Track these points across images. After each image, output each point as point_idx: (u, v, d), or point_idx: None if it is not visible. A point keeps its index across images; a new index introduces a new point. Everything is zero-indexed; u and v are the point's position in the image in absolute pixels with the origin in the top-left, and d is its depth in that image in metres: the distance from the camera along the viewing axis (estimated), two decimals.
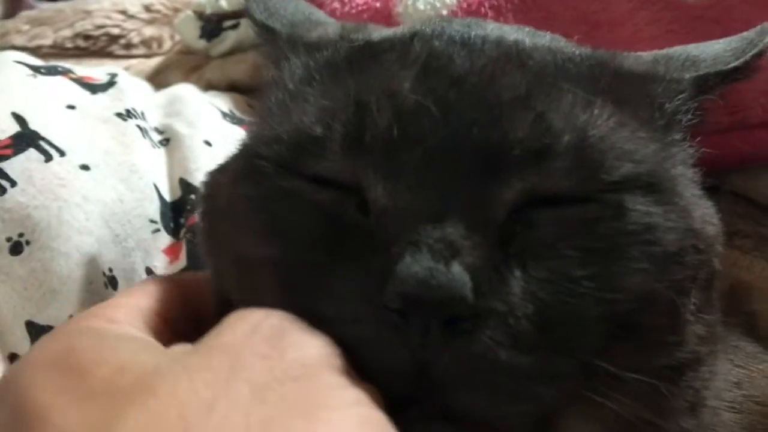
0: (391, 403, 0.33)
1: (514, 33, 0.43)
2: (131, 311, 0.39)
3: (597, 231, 0.35)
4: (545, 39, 0.44)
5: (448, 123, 0.36)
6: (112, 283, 0.57)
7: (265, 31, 0.50)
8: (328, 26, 0.50)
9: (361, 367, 0.34)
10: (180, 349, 0.34)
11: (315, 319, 0.35)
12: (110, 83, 0.74)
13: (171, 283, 0.43)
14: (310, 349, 0.33)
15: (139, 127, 0.68)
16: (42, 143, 0.60)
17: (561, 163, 0.36)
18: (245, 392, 0.30)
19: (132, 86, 0.76)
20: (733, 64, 0.45)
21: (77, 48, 1.05)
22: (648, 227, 0.36)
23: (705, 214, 0.41)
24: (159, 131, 0.72)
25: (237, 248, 0.40)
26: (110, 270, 0.58)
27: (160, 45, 1.06)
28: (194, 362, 0.32)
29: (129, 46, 1.04)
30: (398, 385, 0.34)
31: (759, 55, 0.46)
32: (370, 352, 0.34)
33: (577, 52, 0.42)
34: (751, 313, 0.63)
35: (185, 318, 0.41)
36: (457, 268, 0.32)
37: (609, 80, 0.41)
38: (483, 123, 0.36)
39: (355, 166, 0.37)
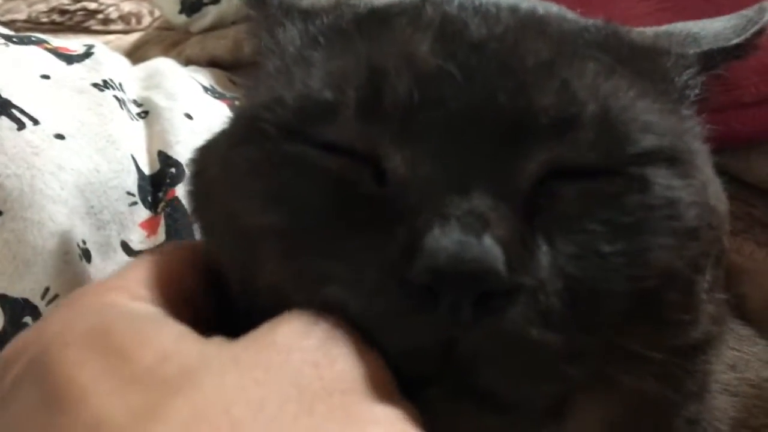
0: (407, 383, 0.32)
1: (525, 1, 0.41)
2: (152, 286, 0.36)
3: (622, 205, 0.34)
4: (554, 9, 0.43)
5: (472, 88, 0.34)
6: (86, 255, 0.55)
7: (255, 0, 0.47)
8: None
9: (376, 342, 0.32)
10: (222, 340, 0.32)
11: (321, 280, 0.33)
12: (87, 54, 0.71)
13: (185, 250, 0.41)
14: (361, 362, 0.31)
15: (116, 98, 0.66)
16: (14, 111, 0.58)
17: (586, 134, 0.34)
18: (294, 398, 0.28)
19: (109, 58, 0.74)
20: (735, 41, 0.44)
21: (53, 23, 1.03)
22: (671, 201, 0.35)
23: (717, 190, 0.40)
24: (137, 104, 0.70)
25: (233, 216, 0.37)
26: (84, 242, 0.55)
27: (139, 21, 1.04)
28: (243, 357, 0.30)
29: (107, 21, 1.02)
30: (419, 363, 0.32)
31: (759, 32, 0.45)
32: (390, 327, 0.32)
33: (590, 22, 0.41)
34: (740, 296, 0.63)
35: (201, 288, 0.39)
36: (488, 241, 0.31)
37: (625, 51, 0.40)
38: (508, 89, 0.34)
39: (371, 133, 0.35)
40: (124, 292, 0.35)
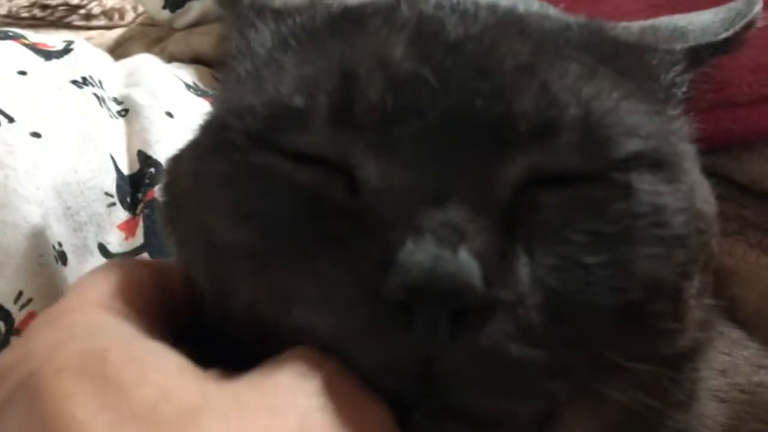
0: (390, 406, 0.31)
1: None
2: (133, 301, 0.35)
3: (606, 213, 0.33)
4: (536, 6, 0.42)
5: (448, 93, 0.33)
6: (62, 258, 0.54)
7: (226, 0, 0.45)
8: None
9: (348, 361, 0.31)
10: (221, 375, 0.30)
11: (292, 301, 0.32)
12: (66, 50, 0.70)
13: (145, 267, 0.39)
14: (367, 409, 0.30)
15: (96, 95, 0.65)
16: None
17: (567, 138, 0.33)
18: None
19: (89, 54, 0.72)
20: (723, 35, 0.43)
21: (33, 18, 1.01)
22: (657, 208, 0.33)
23: (706, 193, 0.38)
24: (117, 101, 0.68)
25: (204, 231, 0.36)
26: (60, 244, 0.54)
27: (122, 16, 1.02)
28: (247, 399, 0.29)
29: (89, 16, 1.00)
30: (396, 383, 0.31)
31: (748, 26, 0.44)
32: (363, 346, 0.31)
33: (572, 20, 0.40)
34: (732, 298, 0.62)
35: (162, 307, 0.37)
36: (464, 255, 0.29)
37: (609, 50, 0.38)
38: (486, 93, 0.33)
39: (344, 141, 0.33)
40: (109, 309, 0.34)
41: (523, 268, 0.31)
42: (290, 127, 0.34)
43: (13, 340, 0.50)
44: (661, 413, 0.36)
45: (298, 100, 0.34)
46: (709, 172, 0.63)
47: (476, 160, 0.32)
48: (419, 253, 0.29)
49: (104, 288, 0.35)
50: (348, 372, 0.31)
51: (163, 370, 0.29)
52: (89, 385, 0.28)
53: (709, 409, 0.44)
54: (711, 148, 0.62)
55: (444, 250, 0.29)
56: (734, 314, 0.60)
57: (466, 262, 0.29)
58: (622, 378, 0.32)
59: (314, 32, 0.38)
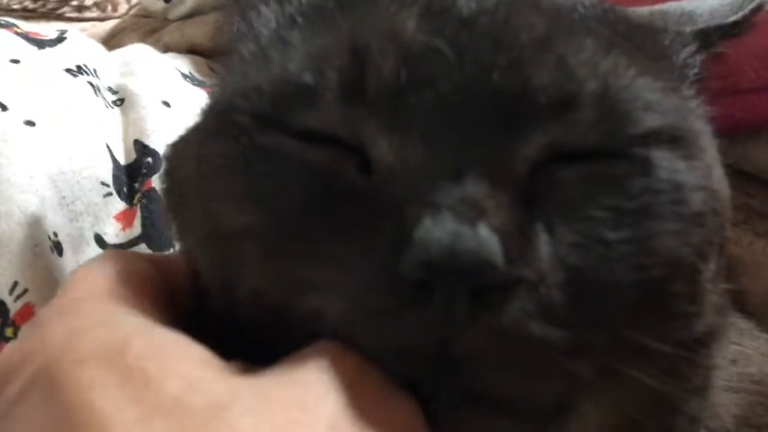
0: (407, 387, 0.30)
1: None
2: (141, 293, 0.34)
3: (626, 189, 0.32)
4: None
5: (463, 67, 0.32)
6: (58, 248, 0.53)
7: None
8: None
9: (362, 344, 0.30)
10: (244, 368, 0.30)
11: (303, 287, 0.31)
12: (59, 39, 0.69)
13: (145, 260, 0.38)
14: (396, 405, 0.30)
15: (90, 84, 0.64)
16: None
17: (586, 114, 0.32)
18: None
19: (83, 43, 0.71)
20: (732, 18, 0.43)
21: (25, 9, 1.00)
22: (676, 185, 0.33)
23: (720, 174, 0.38)
24: (113, 91, 0.67)
25: (209, 218, 0.34)
26: (55, 234, 0.53)
27: (115, 8, 1.01)
28: (277, 394, 0.28)
29: (81, 8, 0.99)
30: (413, 365, 0.30)
31: (757, 9, 0.44)
32: (378, 327, 0.30)
33: None
34: (739, 289, 0.61)
35: (166, 299, 0.36)
36: (484, 231, 0.28)
37: (623, 27, 0.38)
38: (502, 66, 0.32)
39: (355, 118, 0.32)
40: (120, 298, 0.33)
41: (543, 245, 0.30)
42: (299, 105, 0.33)
43: (9, 332, 0.49)
44: (677, 399, 0.35)
45: (308, 77, 0.33)
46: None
47: (494, 135, 0.31)
48: (437, 229, 0.28)
49: (111, 278, 0.34)
50: (374, 366, 0.30)
51: (188, 362, 0.28)
52: (112, 376, 0.27)
53: (723, 399, 0.43)
54: (717, 135, 0.63)
55: (463, 226, 0.28)
56: (742, 305, 0.59)
57: (486, 239, 0.28)
58: (643, 360, 0.31)
59: (322, 8, 0.37)
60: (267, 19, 0.39)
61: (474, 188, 0.30)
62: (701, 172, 0.34)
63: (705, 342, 0.36)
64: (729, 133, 0.62)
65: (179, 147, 0.40)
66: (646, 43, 0.38)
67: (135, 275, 0.35)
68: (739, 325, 0.52)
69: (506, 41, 0.33)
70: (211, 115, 0.38)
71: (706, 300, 0.34)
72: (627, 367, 0.31)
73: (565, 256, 0.30)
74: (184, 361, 0.28)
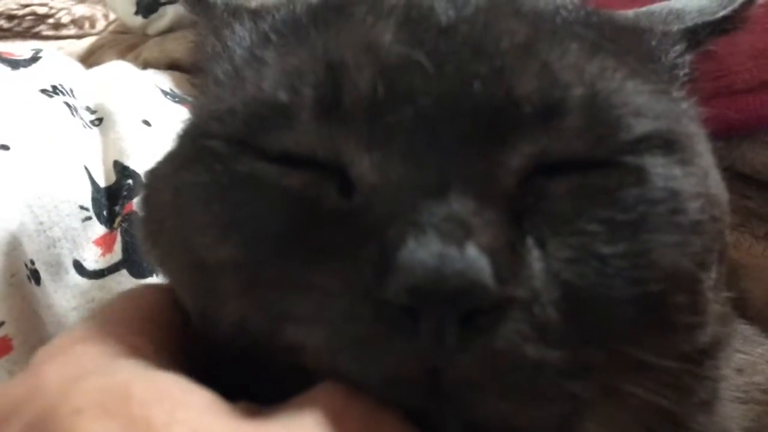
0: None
1: None
2: (142, 330, 0.33)
3: (620, 200, 0.31)
4: None
5: (443, 78, 0.31)
6: (35, 276, 0.51)
7: (198, 3, 0.44)
8: None
9: (351, 377, 0.29)
10: (251, 411, 0.28)
11: (284, 318, 0.29)
12: (34, 59, 0.67)
13: (157, 292, 0.37)
14: None
15: (67, 104, 0.62)
16: None
17: (573, 121, 0.31)
18: None
19: (59, 62, 0.69)
20: (721, 13, 0.42)
21: (0, 29, 0.97)
22: (673, 193, 0.32)
23: (718, 179, 0.37)
24: (91, 110, 0.65)
25: (187, 249, 0.33)
26: (32, 262, 0.51)
27: (92, 24, 0.99)
28: None
29: (58, 26, 0.97)
30: (405, 396, 0.28)
31: (747, 3, 0.43)
32: (365, 358, 0.28)
33: (567, 1, 0.38)
34: (740, 293, 0.60)
35: (177, 332, 0.35)
36: (472, 251, 0.27)
37: (608, 29, 0.37)
38: (484, 76, 0.31)
39: (333, 136, 0.31)
40: (120, 339, 0.32)
41: (536, 262, 0.29)
42: (274, 125, 0.32)
43: None
44: (683, 414, 0.34)
45: (282, 96, 0.32)
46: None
47: (478, 148, 0.30)
48: (422, 251, 0.27)
49: (117, 317, 0.34)
50: (384, 408, 0.29)
51: (192, 408, 0.27)
52: (114, 426, 0.26)
53: (731, 410, 0.41)
54: (712, 137, 0.62)
55: (449, 247, 0.27)
56: (743, 310, 0.58)
57: (474, 259, 0.27)
58: (644, 376, 0.30)
59: (296, 25, 0.36)
60: (241, 37, 0.38)
61: (459, 205, 0.28)
62: (698, 178, 0.33)
63: (710, 353, 0.35)
64: (725, 134, 0.61)
65: (157, 174, 0.39)
66: (633, 45, 0.37)
67: (142, 313, 0.34)
68: (742, 331, 0.51)
69: (487, 49, 0.32)
70: (185, 140, 0.37)
71: (709, 310, 0.33)
72: (629, 385, 0.30)
73: (559, 273, 0.29)
74: (188, 408, 0.27)
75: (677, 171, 0.32)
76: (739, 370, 0.46)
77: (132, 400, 0.26)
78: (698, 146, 0.35)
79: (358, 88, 0.31)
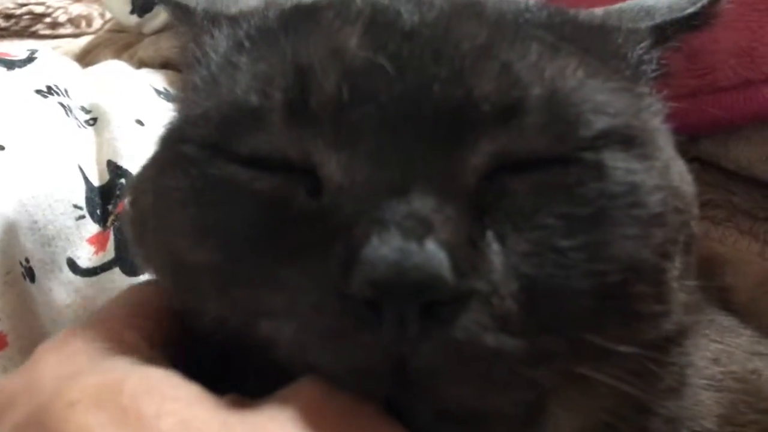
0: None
1: None
2: (133, 326, 0.35)
3: (579, 195, 0.32)
4: None
5: (405, 80, 0.32)
6: (30, 275, 0.52)
7: (179, 10, 0.45)
8: (251, 0, 0.45)
9: (320, 368, 0.30)
10: (236, 402, 0.30)
11: (257, 314, 0.31)
12: (29, 59, 0.68)
13: (153, 288, 0.39)
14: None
15: (61, 104, 0.63)
16: None
17: (533, 119, 0.32)
18: None
19: (54, 62, 0.70)
20: (689, 10, 0.43)
21: None
22: (632, 187, 0.33)
23: (681, 171, 0.38)
24: (86, 110, 0.66)
25: (168, 252, 0.35)
26: (27, 260, 0.52)
27: (89, 23, 1.00)
28: (270, 431, 0.28)
29: (55, 25, 0.98)
30: (373, 386, 0.30)
31: (715, 0, 0.44)
32: (331, 348, 0.30)
33: (531, 2, 0.39)
34: (724, 287, 0.61)
35: (171, 327, 0.37)
36: (431, 246, 0.28)
37: (570, 29, 0.38)
38: (443, 78, 0.32)
39: (302, 137, 0.33)
40: (114, 335, 0.33)
41: (495, 256, 0.30)
42: (247, 128, 0.34)
43: None
44: (650, 401, 0.35)
45: (253, 99, 0.34)
46: (697, 159, 0.63)
47: (438, 147, 0.31)
48: (384, 247, 0.28)
49: (112, 314, 0.35)
50: (362, 401, 0.30)
51: (181, 399, 0.29)
52: (106, 417, 0.27)
53: (704, 399, 0.43)
54: (697, 134, 0.62)
55: (410, 243, 0.28)
56: (727, 303, 0.59)
57: (433, 253, 0.28)
58: (609, 363, 0.32)
59: (267, 31, 0.38)
60: (218, 43, 0.39)
61: (420, 203, 0.30)
62: (658, 172, 0.34)
63: (676, 340, 0.36)
64: (709, 131, 0.62)
65: (141, 177, 0.40)
66: (595, 44, 0.38)
67: (137, 311, 0.36)
68: (721, 322, 0.52)
69: (447, 52, 0.33)
70: (165, 145, 0.38)
71: (673, 299, 0.35)
72: (592, 372, 0.31)
73: (518, 266, 0.30)
74: (177, 400, 0.29)
75: (636, 165, 0.33)
76: (715, 359, 0.47)
77: (123, 394, 0.28)
78: (659, 141, 0.36)
79: (325, 91, 0.32)
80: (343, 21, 0.35)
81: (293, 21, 0.37)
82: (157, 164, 0.38)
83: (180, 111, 0.40)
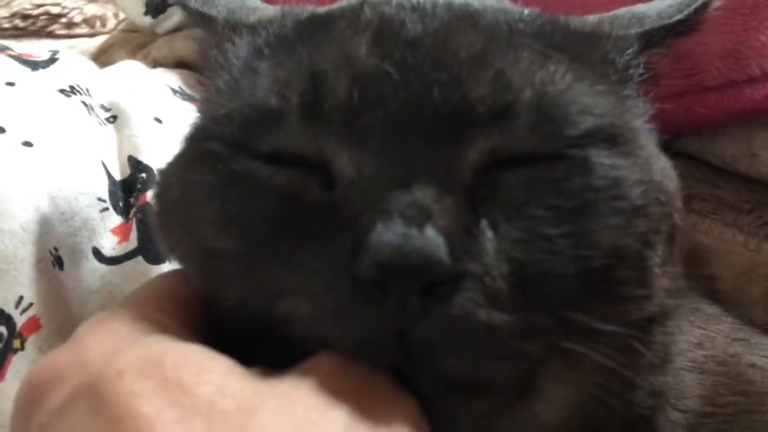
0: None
1: None
2: (168, 314, 0.37)
3: (566, 189, 0.35)
4: (491, 1, 0.44)
5: (408, 85, 0.36)
6: (59, 262, 0.55)
7: (201, 18, 0.48)
8: (267, 9, 0.48)
9: (333, 341, 0.33)
10: (264, 373, 0.33)
11: (276, 294, 0.34)
12: (52, 60, 0.70)
13: (180, 276, 0.41)
14: (399, 408, 0.33)
15: (84, 103, 0.66)
16: None
17: (524, 120, 0.35)
18: None
19: (75, 62, 0.73)
20: (676, 17, 0.46)
21: (15, 28, 1.01)
22: (615, 181, 0.36)
23: (664, 167, 0.41)
24: (105, 108, 0.69)
25: (195, 240, 0.38)
26: (56, 249, 0.55)
27: (103, 24, 1.03)
28: (296, 398, 0.31)
29: (71, 25, 1.01)
30: (378, 355, 0.33)
31: (702, 7, 0.46)
32: (342, 323, 0.33)
33: (526, 12, 0.43)
34: (710, 277, 0.63)
35: (198, 313, 0.40)
36: (430, 232, 0.32)
37: (560, 37, 0.41)
38: (442, 83, 0.36)
39: (316, 136, 0.36)
40: (149, 317, 0.36)
41: (488, 242, 0.34)
42: (266, 128, 0.37)
43: (16, 343, 0.52)
44: (634, 375, 0.38)
45: (273, 102, 0.37)
46: (685, 155, 0.65)
47: (438, 145, 0.35)
48: (388, 232, 0.31)
49: (144, 299, 0.38)
50: (376, 373, 0.33)
51: (216, 370, 0.32)
52: (152, 384, 0.30)
53: (687, 380, 0.46)
54: (685, 132, 0.65)
55: (411, 229, 0.32)
56: (712, 292, 0.62)
57: (432, 238, 0.32)
58: (594, 339, 0.35)
59: (285, 39, 0.41)
60: (239, 50, 0.43)
61: (421, 194, 0.33)
62: (640, 167, 0.37)
63: (659, 321, 0.39)
64: (696, 129, 0.65)
65: (167, 172, 0.44)
66: (584, 50, 0.41)
67: (167, 296, 0.39)
68: (705, 310, 0.55)
69: (446, 60, 0.36)
70: (191, 143, 0.42)
71: (656, 284, 0.38)
72: (577, 346, 0.34)
73: (509, 251, 0.33)
74: (212, 370, 0.32)
75: (620, 161, 0.36)
76: (699, 344, 0.50)
77: (165, 365, 0.31)
78: (641, 140, 0.39)
79: (337, 95, 0.36)
80: (354, 31, 0.38)
81: (308, 30, 0.40)
82: (184, 160, 0.41)
83: (204, 112, 0.43)
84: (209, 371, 0.31)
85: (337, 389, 0.32)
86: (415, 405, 0.33)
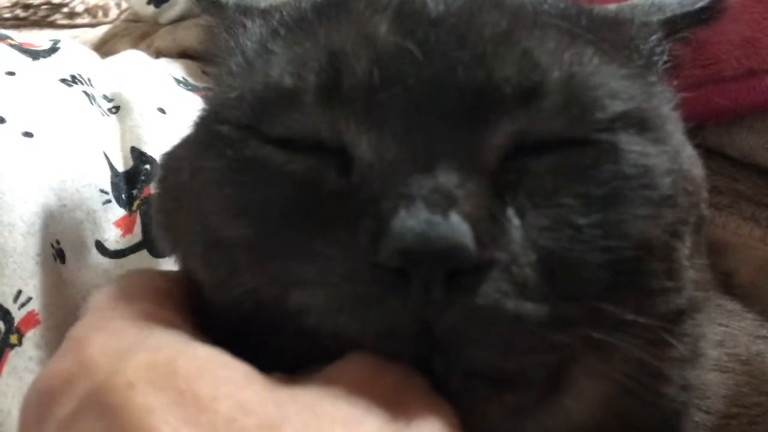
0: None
1: None
2: (170, 308, 0.36)
3: (595, 176, 0.34)
4: None
5: (431, 65, 0.34)
6: (60, 256, 0.54)
7: (210, 4, 0.47)
8: None
9: (351, 332, 0.32)
10: (285, 381, 0.31)
11: (290, 284, 0.33)
12: (53, 49, 0.69)
13: (164, 275, 0.40)
14: (435, 412, 0.31)
15: (86, 93, 0.65)
16: None
17: (551, 102, 0.34)
18: None
19: (77, 52, 0.72)
20: (699, 4, 0.45)
21: (16, 18, 1.00)
22: (645, 170, 0.35)
23: (691, 155, 0.40)
24: (108, 99, 0.68)
25: (204, 227, 0.37)
26: (57, 242, 0.54)
27: (105, 13, 1.02)
28: (322, 410, 0.29)
29: (72, 14, 1.00)
30: (400, 348, 0.32)
31: None
32: (362, 313, 0.31)
33: None
34: (727, 271, 0.62)
35: (191, 310, 0.38)
36: (455, 218, 0.30)
37: (586, 20, 0.40)
38: (467, 62, 0.34)
39: (334, 118, 0.35)
40: (151, 313, 0.35)
41: (515, 230, 0.32)
42: (281, 108, 0.35)
43: (13, 339, 0.50)
44: (666, 368, 0.37)
45: (288, 81, 0.35)
46: (702, 147, 0.64)
47: (462, 127, 0.33)
48: (411, 219, 0.30)
49: (138, 294, 0.36)
50: (410, 376, 0.32)
51: (234, 381, 0.30)
52: (165, 399, 0.28)
53: (712, 379, 0.45)
54: (703, 123, 0.64)
55: (435, 215, 0.30)
56: (730, 287, 0.61)
57: (457, 225, 0.30)
58: (624, 331, 0.33)
59: (302, 20, 0.39)
60: (252, 32, 0.41)
61: (445, 179, 0.32)
62: (669, 156, 0.36)
63: (688, 313, 0.38)
64: (714, 120, 0.64)
65: (174, 156, 0.42)
66: (610, 34, 0.40)
67: (161, 292, 0.37)
68: (726, 306, 0.53)
69: (470, 38, 0.35)
70: (200, 127, 0.40)
71: (684, 275, 0.36)
72: (609, 338, 0.33)
73: (537, 239, 0.32)
74: (229, 381, 0.30)
75: (650, 149, 0.35)
76: (721, 342, 0.48)
77: (178, 375, 0.29)
78: (670, 126, 0.38)
79: (356, 74, 0.34)
80: (374, 10, 0.37)
81: (326, 10, 0.39)
82: (193, 145, 0.40)
83: (215, 95, 0.41)
84: (226, 382, 0.30)
85: (369, 398, 0.30)
86: (451, 410, 0.32)
